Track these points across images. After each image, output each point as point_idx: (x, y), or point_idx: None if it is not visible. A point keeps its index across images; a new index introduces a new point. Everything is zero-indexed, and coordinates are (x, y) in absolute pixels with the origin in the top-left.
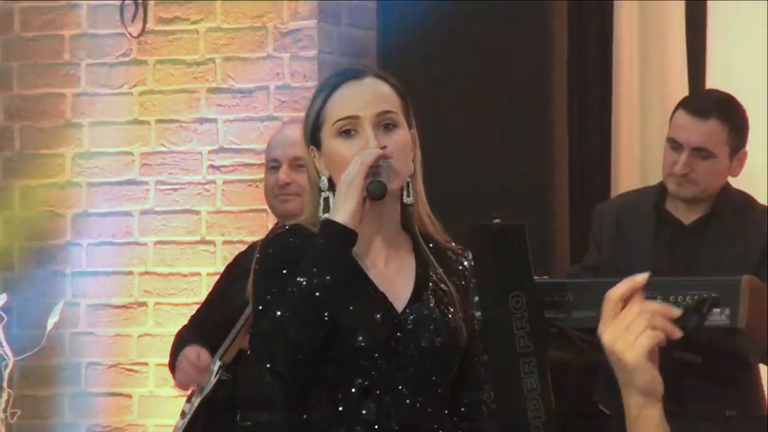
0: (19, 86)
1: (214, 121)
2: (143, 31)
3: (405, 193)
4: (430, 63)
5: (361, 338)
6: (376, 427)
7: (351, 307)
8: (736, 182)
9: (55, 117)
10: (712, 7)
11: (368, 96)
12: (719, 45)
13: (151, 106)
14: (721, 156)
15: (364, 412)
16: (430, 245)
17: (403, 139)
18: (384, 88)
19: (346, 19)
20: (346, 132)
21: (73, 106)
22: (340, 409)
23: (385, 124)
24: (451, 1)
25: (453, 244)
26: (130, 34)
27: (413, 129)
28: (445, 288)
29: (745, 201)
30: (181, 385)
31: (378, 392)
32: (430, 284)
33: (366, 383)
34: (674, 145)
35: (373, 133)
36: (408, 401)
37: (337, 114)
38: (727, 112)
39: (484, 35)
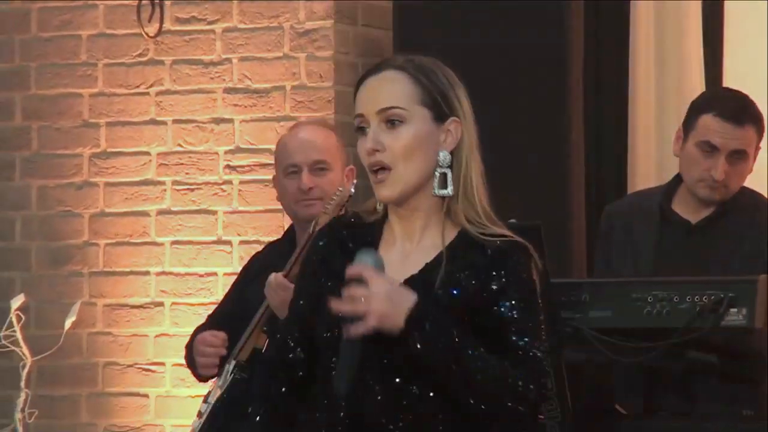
0: (36, 86)
1: (231, 121)
2: (160, 31)
3: (437, 183)
4: (446, 63)
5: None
6: (347, 426)
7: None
8: (751, 180)
9: (72, 117)
10: (728, 6)
11: (374, 92)
12: (736, 44)
13: (167, 106)
14: (752, 157)
15: (341, 412)
16: (464, 238)
17: (408, 135)
18: (397, 81)
19: (363, 19)
20: (360, 129)
21: (90, 106)
22: (325, 405)
23: (388, 120)
24: (467, 1)
25: (503, 237)
26: (147, 35)
27: (452, 119)
28: (450, 288)
29: (754, 199)
30: (203, 368)
31: (357, 393)
32: (436, 286)
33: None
34: (707, 148)
35: (377, 130)
36: (386, 400)
37: (355, 110)
38: (757, 115)
39: (500, 35)
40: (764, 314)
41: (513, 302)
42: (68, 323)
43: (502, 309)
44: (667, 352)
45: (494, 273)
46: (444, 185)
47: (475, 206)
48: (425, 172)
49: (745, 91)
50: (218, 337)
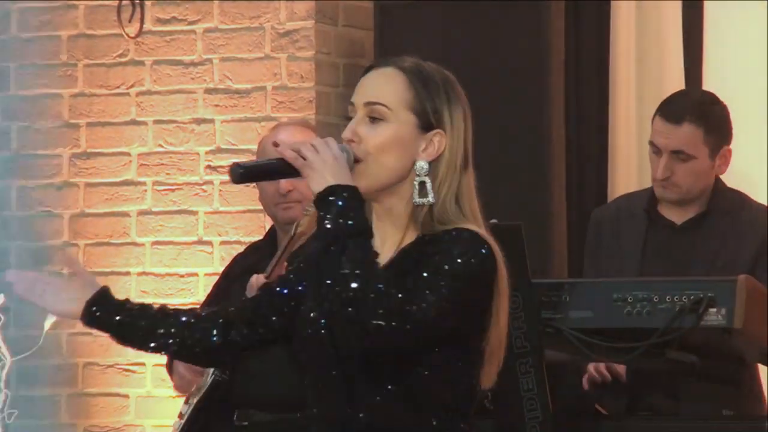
0: (16, 87)
1: (212, 121)
2: (140, 32)
3: (417, 192)
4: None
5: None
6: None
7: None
8: (736, 182)
9: (52, 117)
10: (708, 7)
11: (368, 84)
12: (716, 45)
13: (148, 106)
14: (700, 157)
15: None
16: (418, 242)
17: (385, 134)
18: (393, 80)
19: (344, 19)
20: (349, 118)
21: (70, 106)
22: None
23: (371, 115)
24: (448, 1)
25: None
26: (128, 35)
27: (436, 130)
28: None
29: (739, 200)
30: (180, 389)
31: (315, 389)
32: None
33: (308, 381)
34: (654, 149)
35: (359, 121)
36: (336, 397)
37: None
38: (701, 114)
39: (481, 36)
40: (743, 314)
41: (427, 270)
42: (48, 323)
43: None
44: (647, 353)
45: (427, 252)
46: (424, 194)
47: (443, 221)
48: (396, 174)
49: (724, 92)
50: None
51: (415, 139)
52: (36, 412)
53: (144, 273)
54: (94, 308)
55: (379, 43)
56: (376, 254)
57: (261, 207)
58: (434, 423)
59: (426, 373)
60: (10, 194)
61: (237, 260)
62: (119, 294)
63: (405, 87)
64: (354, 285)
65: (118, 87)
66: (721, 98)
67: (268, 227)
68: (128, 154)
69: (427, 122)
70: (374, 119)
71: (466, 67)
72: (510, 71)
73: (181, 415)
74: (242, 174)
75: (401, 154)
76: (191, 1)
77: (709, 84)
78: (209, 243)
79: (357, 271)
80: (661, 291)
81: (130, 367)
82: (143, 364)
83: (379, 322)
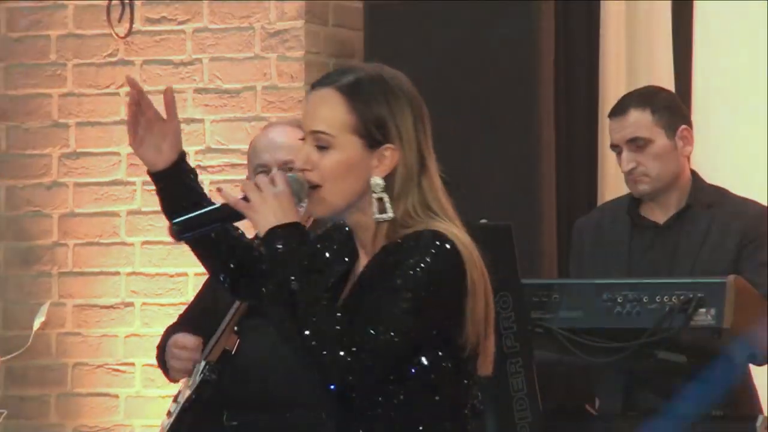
0: (5, 86)
1: (201, 121)
2: (130, 32)
3: (377, 209)
4: (416, 64)
5: None
6: None
7: None
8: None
9: (41, 117)
10: (698, 7)
11: (310, 110)
12: (706, 45)
13: None
14: (657, 139)
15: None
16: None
17: (334, 161)
18: (332, 105)
19: (334, 19)
20: (302, 139)
21: (59, 106)
22: None
23: (317, 144)
24: (438, 2)
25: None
26: (117, 35)
27: (386, 145)
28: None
29: (718, 194)
30: (176, 372)
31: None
32: None
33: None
34: (615, 149)
35: (309, 149)
36: (337, 412)
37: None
38: (644, 99)
39: (470, 36)
40: (732, 314)
41: (385, 286)
42: (37, 323)
43: (371, 294)
44: (637, 352)
45: (388, 263)
46: (383, 210)
47: (409, 225)
48: (353, 195)
49: (714, 91)
50: (192, 340)
51: (366, 158)
52: (25, 412)
53: (134, 273)
54: (160, 178)
55: (369, 43)
56: (324, 289)
57: None
58: (420, 428)
59: (410, 380)
60: None
61: None
62: (109, 294)
63: (344, 110)
64: (306, 332)
65: (107, 87)
66: (712, 97)
67: None
68: (117, 154)
69: (374, 140)
70: (320, 148)
71: (456, 67)
72: (499, 72)
73: (169, 413)
74: (180, 231)
75: (355, 176)
76: (181, 1)
77: (698, 83)
78: None
79: (307, 317)
80: (651, 291)
81: (120, 367)
82: (133, 364)
83: (339, 367)
